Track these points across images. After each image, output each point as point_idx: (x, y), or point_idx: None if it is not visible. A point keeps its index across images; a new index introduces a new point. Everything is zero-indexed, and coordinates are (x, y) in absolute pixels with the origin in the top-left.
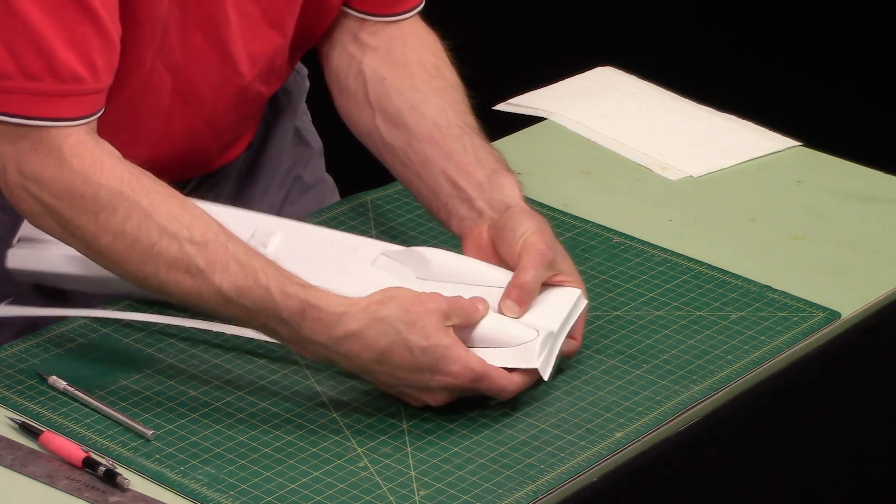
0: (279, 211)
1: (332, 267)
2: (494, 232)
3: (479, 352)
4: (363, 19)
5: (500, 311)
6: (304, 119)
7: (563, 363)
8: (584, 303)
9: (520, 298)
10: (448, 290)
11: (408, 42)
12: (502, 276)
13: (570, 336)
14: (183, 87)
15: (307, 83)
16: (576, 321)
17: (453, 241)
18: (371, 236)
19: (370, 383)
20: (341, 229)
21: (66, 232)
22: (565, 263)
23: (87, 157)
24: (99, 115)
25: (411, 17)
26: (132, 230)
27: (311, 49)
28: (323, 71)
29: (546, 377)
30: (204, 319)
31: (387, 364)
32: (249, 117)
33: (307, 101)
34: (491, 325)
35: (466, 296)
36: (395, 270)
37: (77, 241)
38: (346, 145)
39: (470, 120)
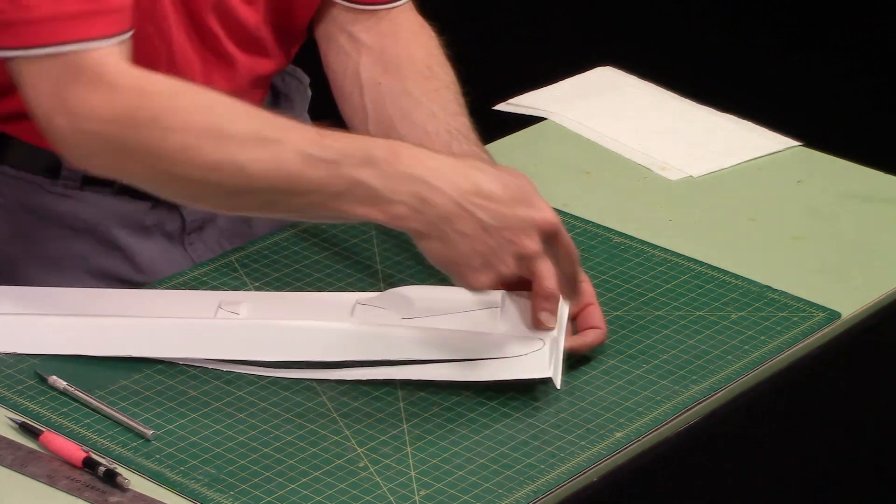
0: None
1: (312, 325)
2: None
3: (489, 364)
4: (353, 10)
5: (537, 324)
6: None
7: (564, 363)
8: (566, 305)
9: (552, 308)
10: (438, 324)
11: (401, 39)
12: (485, 298)
13: (592, 326)
14: (176, 59)
15: (309, 92)
16: (594, 311)
17: None
18: (371, 236)
19: (371, 382)
20: (340, 228)
21: (129, 157)
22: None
23: (134, 73)
24: (129, 35)
25: (401, 5)
26: (198, 122)
27: (312, 58)
28: (323, 69)
29: (558, 385)
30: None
31: (486, 195)
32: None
33: (309, 111)
34: (497, 339)
35: (455, 326)
36: (376, 316)
37: (141, 165)
38: None
39: (460, 122)
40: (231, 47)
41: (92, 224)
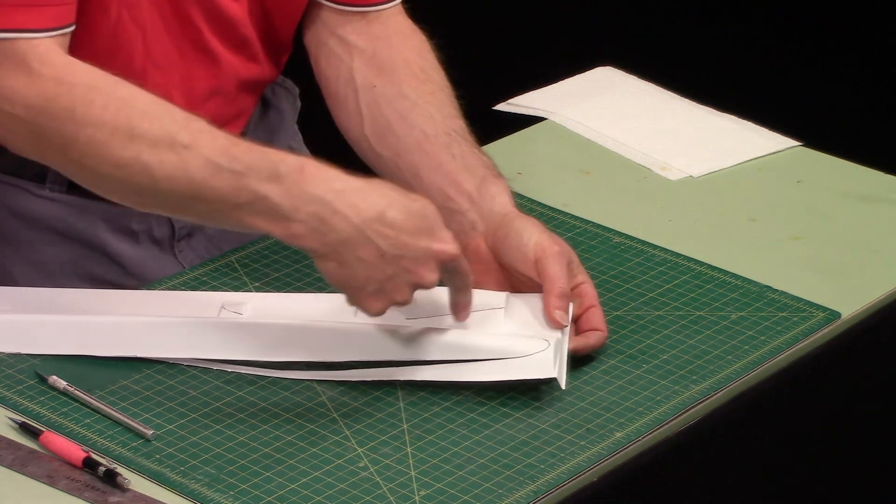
0: None
1: (317, 325)
2: (495, 242)
3: (493, 364)
4: (342, 13)
5: (552, 322)
6: (296, 139)
7: (568, 364)
8: (570, 306)
9: (565, 306)
10: (441, 324)
11: (393, 43)
12: (487, 299)
13: (593, 328)
14: (153, 48)
15: (299, 103)
16: (596, 313)
17: None
18: None
19: (371, 382)
20: None
21: (43, 143)
22: (573, 256)
23: (57, 62)
24: (68, 30)
25: (390, 8)
26: (111, 118)
27: (301, 69)
28: (312, 80)
29: (563, 385)
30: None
31: (388, 223)
32: (227, 98)
33: (298, 123)
34: (501, 339)
35: (459, 326)
36: (381, 317)
37: (54, 152)
38: (338, 163)
39: (458, 124)
40: (214, 42)
41: (79, 229)
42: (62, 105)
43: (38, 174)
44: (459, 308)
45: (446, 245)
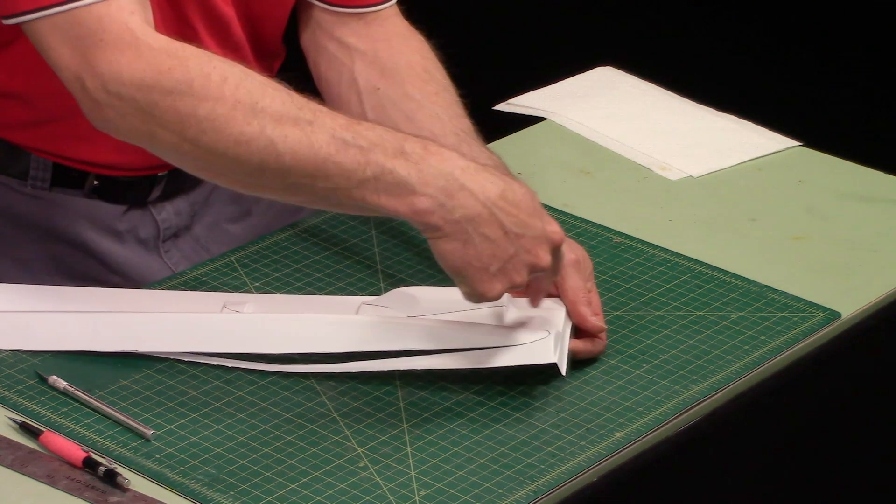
0: (272, 224)
1: (318, 317)
2: None
3: (495, 352)
4: (338, 14)
5: (589, 330)
6: None
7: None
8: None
9: (597, 313)
10: (443, 321)
11: (393, 43)
12: None
13: (593, 335)
14: None
15: None
16: (598, 321)
17: None
18: (371, 236)
19: (371, 382)
20: (340, 228)
21: (156, 123)
22: (587, 261)
23: (161, 35)
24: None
25: (387, 9)
26: (231, 92)
27: (300, 70)
28: (309, 85)
29: (563, 371)
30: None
31: (510, 201)
32: None
33: None
34: (503, 330)
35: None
36: (382, 314)
37: (168, 130)
38: None
39: (465, 123)
40: (209, 43)
41: (62, 226)
42: (176, 80)
43: (20, 171)
44: (540, 294)
45: (556, 226)
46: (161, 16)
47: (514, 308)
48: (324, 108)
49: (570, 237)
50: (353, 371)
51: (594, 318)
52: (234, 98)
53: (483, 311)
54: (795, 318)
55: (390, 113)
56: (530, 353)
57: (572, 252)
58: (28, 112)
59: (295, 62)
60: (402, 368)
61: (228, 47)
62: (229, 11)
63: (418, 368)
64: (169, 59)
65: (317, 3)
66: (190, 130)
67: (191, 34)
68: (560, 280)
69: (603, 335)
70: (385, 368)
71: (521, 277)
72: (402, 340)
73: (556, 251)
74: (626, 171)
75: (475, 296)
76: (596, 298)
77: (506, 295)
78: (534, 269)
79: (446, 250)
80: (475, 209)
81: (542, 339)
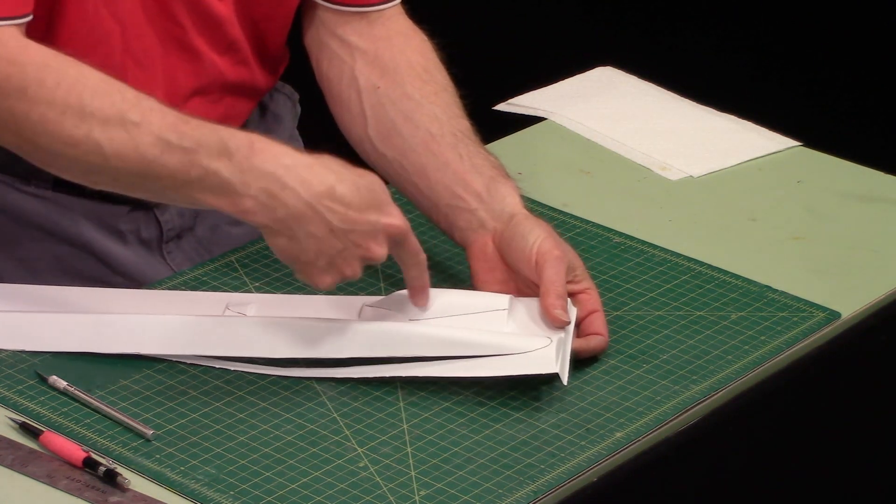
0: None
1: (321, 322)
2: (501, 242)
3: (496, 360)
4: (341, 13)
5: (552, 321)
6: (295, 145)
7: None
8: (573, 309)
9: (564, 304)
10: (444, 324)
11: (394, 42)
12: (490, 301)
13: (595, 332)
14: (133, 44)
15: (298, 108)
16: (598, 318)
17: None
18: None
19: (371, 382)
20: None
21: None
22: (577, 262)
23: (10, 44)
24: (25, 20)
25: (390, 8)
26: (62, 97)
27: (301, 74)
28: (310, 86)
29: (565, 381)
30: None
31: (337, 198)
32: (210, 98)
33: (298, 128)
34: (504, 337)
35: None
36: (383, 317)
37: (9, 131)
38: None
39: (463, 124)
40: (198, 41)
41: (64, 226)
42: (14, 84)
43: (23, 171)
44: (415, 290)
45: (394, 219)
46: (145, 11)
47: (518, 309)
48: (157, 107)
49: (565, 238)
50: (355, 376)
51: (558, 311)
52: (65, 102)
53: (486, 316)
54: (795, 318)
55: (389, 112)
56: (531, 362)
57: (557, 248)
58: None
59: (302, 69)
60: (403, 376)
61: (222, 47)
62: (224, 10)
63: (419, 376)
64: (9, 66)
65: (320, 1)
66: (26, 133)
67: (178, 32)
68: (538, 273)
69: (605, 333)
70: (386, 375)
71: (353, 270)
72: (405, 347)
73: (398, 242)
74: (625, 171)
75: (309, 285)
76: (594, 296)
77: (508, 297)
78: (366, 261)
79: (276, 245)
80: (298, 208)
81: (544, 348)
